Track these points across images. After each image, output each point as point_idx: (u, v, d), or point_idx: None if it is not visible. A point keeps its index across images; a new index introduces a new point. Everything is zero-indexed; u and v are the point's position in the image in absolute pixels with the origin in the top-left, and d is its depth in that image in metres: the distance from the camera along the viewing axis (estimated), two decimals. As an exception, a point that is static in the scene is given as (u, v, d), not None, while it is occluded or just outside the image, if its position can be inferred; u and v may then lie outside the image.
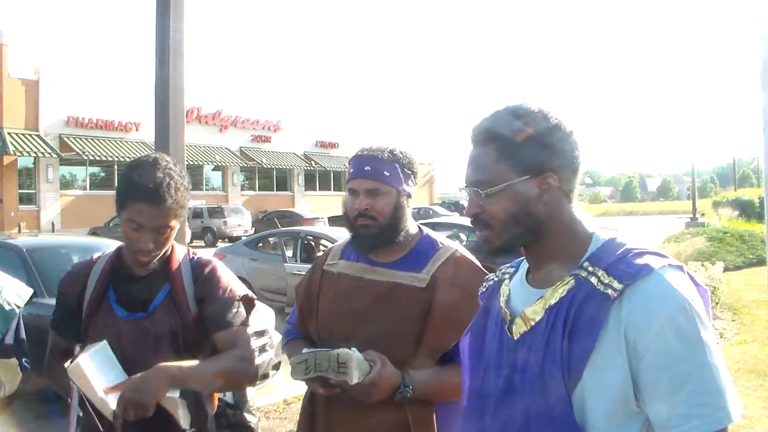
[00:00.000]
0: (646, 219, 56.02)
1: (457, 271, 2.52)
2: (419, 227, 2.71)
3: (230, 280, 2.68)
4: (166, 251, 2.59)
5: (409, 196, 2.62)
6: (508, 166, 1.63)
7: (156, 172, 2.43)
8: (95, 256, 2.73)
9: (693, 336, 1.44)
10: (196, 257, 2.70)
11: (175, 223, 2.49)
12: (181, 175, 2.52)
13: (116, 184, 2.58)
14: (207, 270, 2.65)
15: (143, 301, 2.57)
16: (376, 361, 2.30)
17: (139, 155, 2.68)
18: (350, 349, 2.27)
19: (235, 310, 2.60)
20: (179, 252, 2.67)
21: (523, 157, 1.62)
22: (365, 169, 2.56)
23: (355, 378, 2.22)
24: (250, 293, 2.72)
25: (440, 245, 2.63)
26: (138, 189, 2.41)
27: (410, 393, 2.34)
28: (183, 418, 2.32)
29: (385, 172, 2.55)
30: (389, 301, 2.53)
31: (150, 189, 2.39)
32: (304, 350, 2.34)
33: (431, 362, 2.46)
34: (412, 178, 2.65)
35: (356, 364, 2.23)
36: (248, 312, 2.68)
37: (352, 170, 2.61)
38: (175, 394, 2.32)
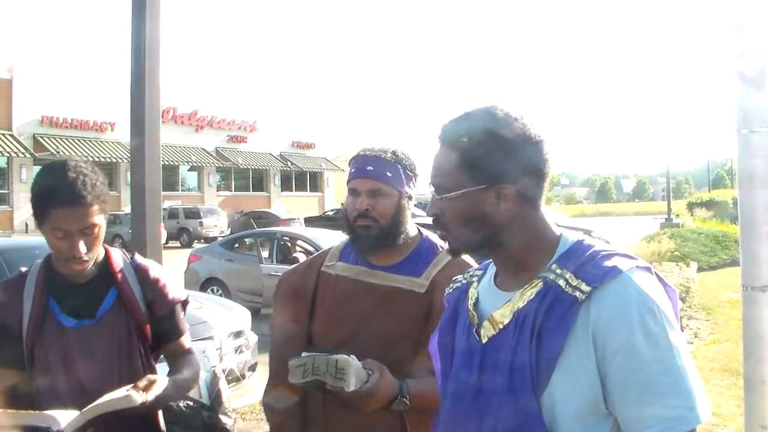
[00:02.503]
0: (621, 220, 56.32)
1: (457, 275, 2.49)
2: (419, 229, 2.68)
3: (173, 283, 2.69)
4: (99, 253, 2.51)
5: (410, 198, 2.58)
6: (467, 173, 1.62)
7: (66, 173, 2.31)
8: (23, 269, 2.60)
9: (661, 338, 1.45)
10: (135, 259, 2.65)
11: (100, 220, 2.39)
12: (94, 171, 2.41)
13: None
14: (152, 272, 2.62)
15: (89, 308, 2.50)
16: (374, 370, 2.25)
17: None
18: (349, 356, 2.23)
19: (181, 316, 2.67)
20: (116, 255, 2.60)
21: (482, 165, 1.61)
22: (367, 168, 2.52)
23: (352, 385, 2.18)
24: (186, 294, 2.76)
25: (440, 249, 2.58)
26: (54, 195, 2.30)
27: (407, 404, 2.29)
28: (139, 398, 2.23)
29: (388, 173, 2.51)
30: (389, 305, 2.50)
31: (66, 191, 2.28)
32: (303, 354, 2.29)
33: (430, 366, 2.43)
34: (414, 180, 2.61)
35: (354, 372, 2.19)
36: (185, 309, 2.74)
37: (353, 170, 2.57)
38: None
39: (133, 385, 2.30)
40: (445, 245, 2.57)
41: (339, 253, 2.71)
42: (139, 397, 2.22)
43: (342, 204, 2.65)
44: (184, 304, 2.71)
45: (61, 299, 2.50)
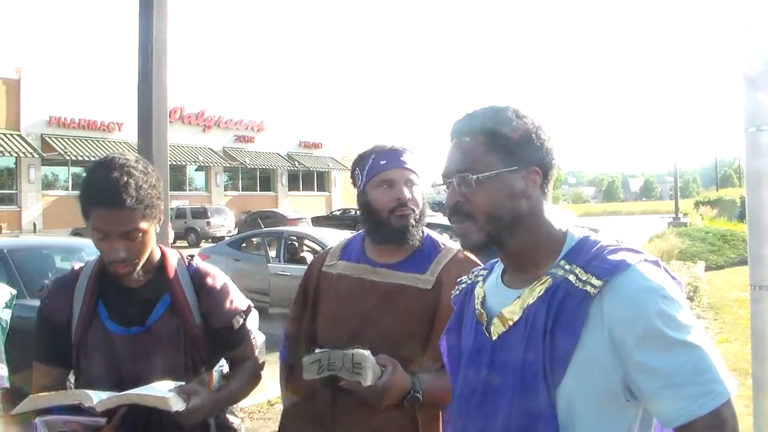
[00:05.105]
0: (629, 219, 56.11)
1: (461, 271, 2.45)
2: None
3: (233, 291, 2.59)
4: (153, 258, 2.43)
5: None
6: (497, 156, 1.64)
7: (111, 172, 2.19)
8: (76, 266, 2.52)
9: (680, 321, 1.47)
10: (193, 264, 2.54)
11: (145, 225, 2.26)
12: (145, 172, 2.28)
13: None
14: (209, 281, 2.52)
15: (139, 314, 2.41)
16: (388, 365, 2.26)
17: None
18: (364, 350, 2.22)
19: (242, 327, 2.57)
20: (172, 258, 2.51)
21: (511, 149, 1.64)
22: (401, 159, 2.56)
23: (369, 379, 2.18)
24: (250, 303, 2.65)
25: (442, 246, 2.61)
26: (95, 193, 2.21)
27: (420, 398, 2.31)
28: (175, 405, 2.19)
29: (416, 164, 2.59)
30: (394, 302, 2.49)
31: (106, 191, 2.17)
32: (317, 350, 2.30)
33: (437, 363, 2.43)
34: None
35: (371, 365, 2.20)
36: (247, 318, 2.61)
37: (384, 162, 2.56)
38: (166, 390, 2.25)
39: (180, 386, 2.26)
40: (457, 247, 2.61)
41: (340, 252, 2.72)
42: (177, 405, 2.16)
43: (373, 199, 2.57)
44: (246, 313, 2.60)
45: (110, 303, 2.42)
